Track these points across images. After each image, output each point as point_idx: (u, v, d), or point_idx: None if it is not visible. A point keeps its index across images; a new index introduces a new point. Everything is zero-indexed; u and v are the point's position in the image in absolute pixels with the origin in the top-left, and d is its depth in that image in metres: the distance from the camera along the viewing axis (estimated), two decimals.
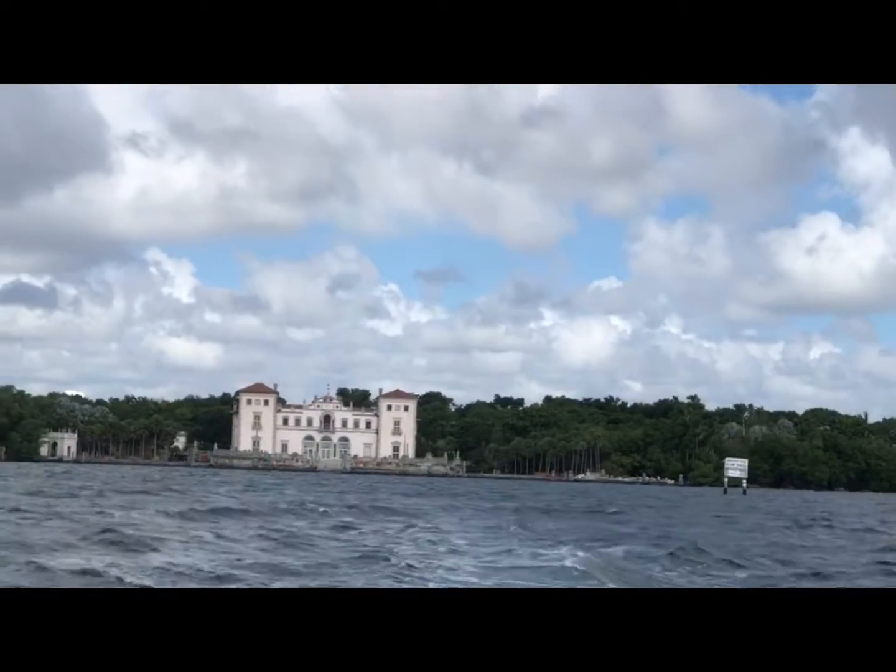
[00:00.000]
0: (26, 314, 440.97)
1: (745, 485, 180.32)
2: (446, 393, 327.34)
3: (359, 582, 20.45)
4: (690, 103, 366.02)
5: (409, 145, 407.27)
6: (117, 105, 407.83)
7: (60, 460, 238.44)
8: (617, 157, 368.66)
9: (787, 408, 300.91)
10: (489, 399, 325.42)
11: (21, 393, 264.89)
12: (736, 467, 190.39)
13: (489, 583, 19.39)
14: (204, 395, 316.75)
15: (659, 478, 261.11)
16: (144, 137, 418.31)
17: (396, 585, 14.44)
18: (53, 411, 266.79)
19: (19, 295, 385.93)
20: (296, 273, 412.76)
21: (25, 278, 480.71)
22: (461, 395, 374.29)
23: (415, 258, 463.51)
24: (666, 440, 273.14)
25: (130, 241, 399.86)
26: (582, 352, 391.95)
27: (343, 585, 14.06)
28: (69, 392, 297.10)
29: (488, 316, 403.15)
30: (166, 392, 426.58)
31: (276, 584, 13.61)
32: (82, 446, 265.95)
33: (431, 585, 14.57)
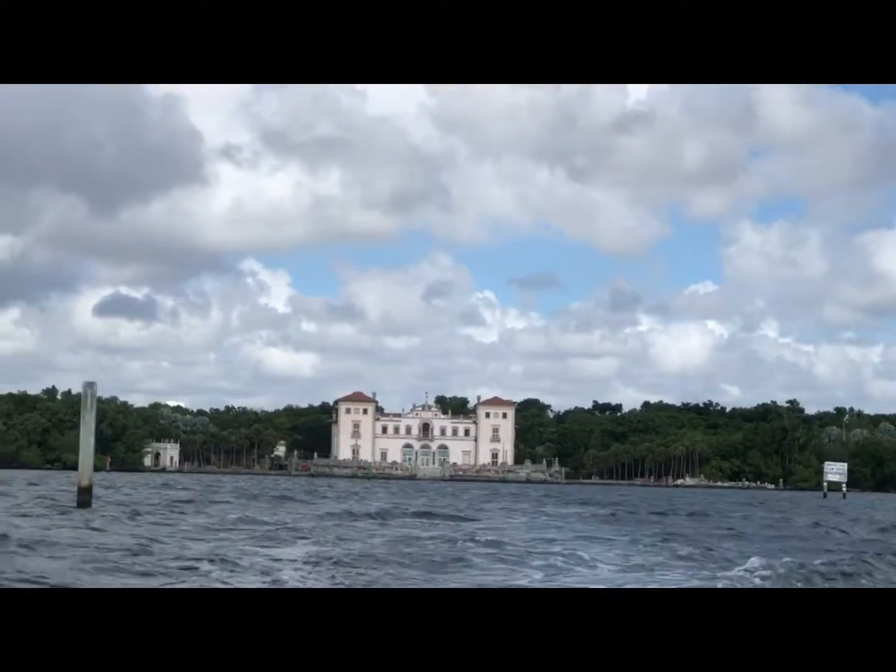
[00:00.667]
0: (126, 326, 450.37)
1: (844, 489, 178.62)
2: (543, 399, 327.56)
3: None
4: (782, 105, 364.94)
5: (501, 152, 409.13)
6: (211, 117, 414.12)
7: (164, 470, 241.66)
8: (709, 161, 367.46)
9: (888, 411, 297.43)
10: (586, 405, 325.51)
11: (125, 404, 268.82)
12: (835, 471, 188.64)
13: None
14: (302, 404, 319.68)
15: (759, 482, 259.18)
16: (238, 149, 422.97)
17: (397, 585, 14.30)
18: (156, 422, 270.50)
19: (119, 307, 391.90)
20: (391, 281, 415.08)
21: (124, 290, 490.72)
22: (558, 402, 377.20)
23: (509, 265, 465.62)
24: (765, 444, 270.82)
25: (226, 251, 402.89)
26: (678, 356, 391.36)
27: (343, 585, 14.08)
28: (170, 402, 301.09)
29: (583, 322, 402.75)
30: (264, 401, 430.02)
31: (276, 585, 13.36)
32: (184, 456, 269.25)
33: (431, 585, 14.35)
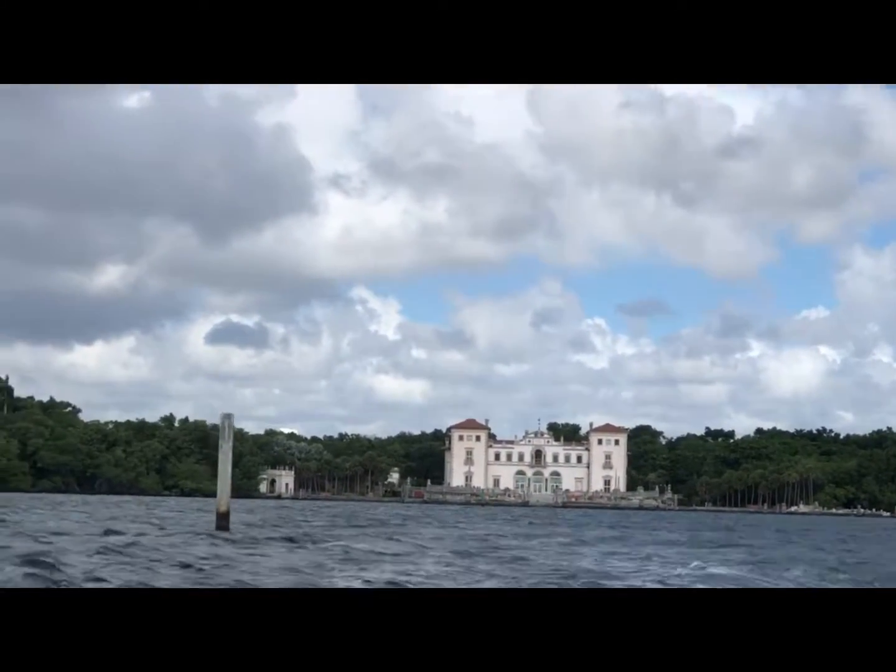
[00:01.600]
0: (237, 353, 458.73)
1: None
2: (655, 426, 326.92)
3: None
4: (891, 127, 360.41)
5: (608, 178, 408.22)
6: (319, 145, 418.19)
7: (279, 497, 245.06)
8: (818, 185, 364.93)
9: None
10: (698, 431, 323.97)
11: (240, 431, 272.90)
12: None
13: None
14: (413, 430, 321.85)
15: (874, 510, 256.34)
16: (347, 178, 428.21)
17: (397, 585, 14.27)
18: (271, 449, 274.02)
19: (230, 334, 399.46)
20: (500, 308, 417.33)
21: (235, 318, 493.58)
22: (669, 428, 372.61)
23: (617, 291, 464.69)
24: (881, 471, 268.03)
25: (336, 279, 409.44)
26: (790, 382, 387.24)
27: (344, 586, 13.99)
28: (284, 429, 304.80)
29: (693, 347, 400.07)
30: (375, 428, 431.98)
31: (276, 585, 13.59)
32: (299, 483, 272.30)
33: (431, 585, 14.27)
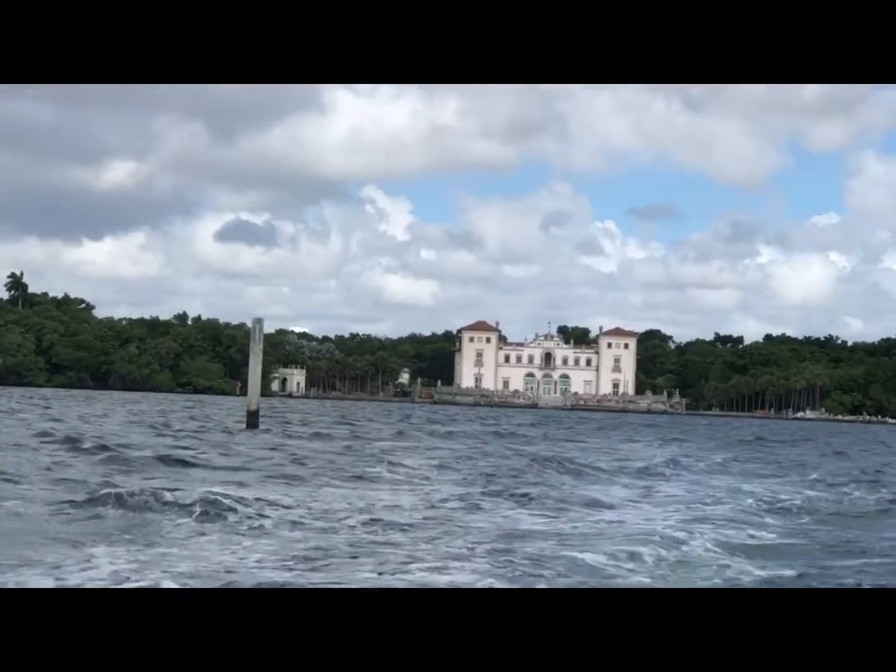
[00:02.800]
0: (247, 251, 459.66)
1: None
2: (663, 329, 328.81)
3: None
4: None
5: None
6: None
7: (290, 395, 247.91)
8: (829, 91, 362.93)
9: None
10: (706, 336, 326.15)
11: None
12: None
13: None
14: (422, 331, 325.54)
15: (880, 417, 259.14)
16: None
17: (396, 586, 14.74)
18: (282, 348, 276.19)
19: (239, 233, 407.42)
20: (510, 210, 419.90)
21: (244, 216, 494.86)
22: (677, 332, 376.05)
23: (627, 195, 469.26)
24: (888, 379, 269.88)
25: (346, 179, 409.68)
26: (799, 288, 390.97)
27: (343, 585, 14.43)
28: (295, 329, 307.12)
29: (703, 253, 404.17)
30: (385, 328, 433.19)
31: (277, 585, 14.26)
32: (310, 382, 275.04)
33: (431, 585, 14.68)
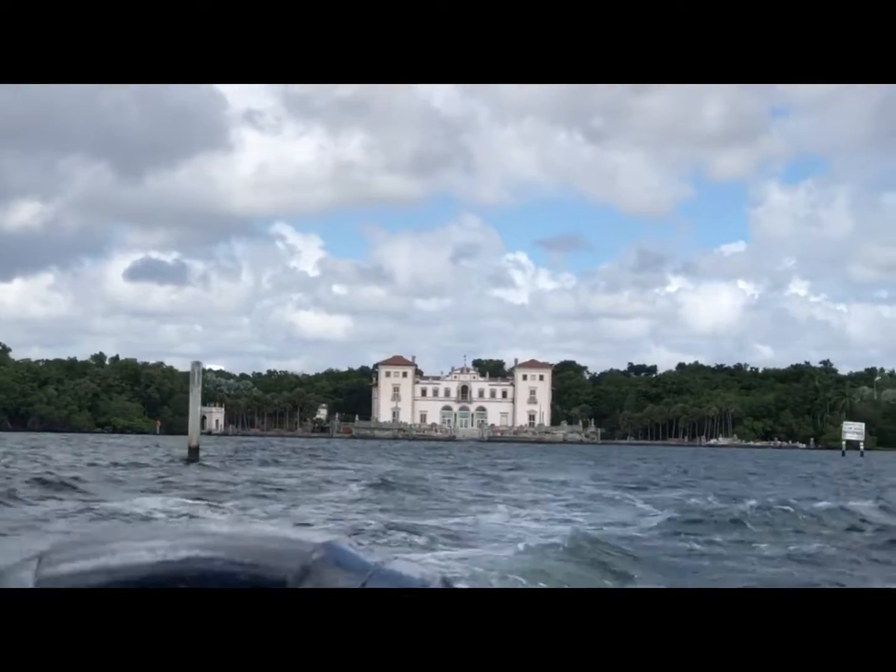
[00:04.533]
0: (157, 290, 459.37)
1: (862, 447, 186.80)
2: (576, 360, 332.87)
3: None
4: None
5: (522, 114, 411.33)
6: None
7: (209, 433, 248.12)
8: (730, 121, 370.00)
9: None
10: (619, 366, 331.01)
11: (170, 369, 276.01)
12: (853, 431, 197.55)
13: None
14: (338, 366, 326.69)
15: (791, 442, 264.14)
16: (261, 114, 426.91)
17: (397, 585, 15.91)
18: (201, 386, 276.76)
19: (149, 271, 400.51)
20: (419, 243, 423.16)
21: (154, 254, 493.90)
22: (591, 362, 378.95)
23: (534, 227, 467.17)
24: (797, 405, 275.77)
25: (254, 216, 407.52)
26: (708, 317, 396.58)
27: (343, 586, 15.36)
28: (211, 367, 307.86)
29: (612, 283, 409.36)
30: (299, 364, 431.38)
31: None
32: (229, 419, 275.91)
33: (432, 585, 15.97)
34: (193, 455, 73.23)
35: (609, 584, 19.11)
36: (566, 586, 14.54)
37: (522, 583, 19.13)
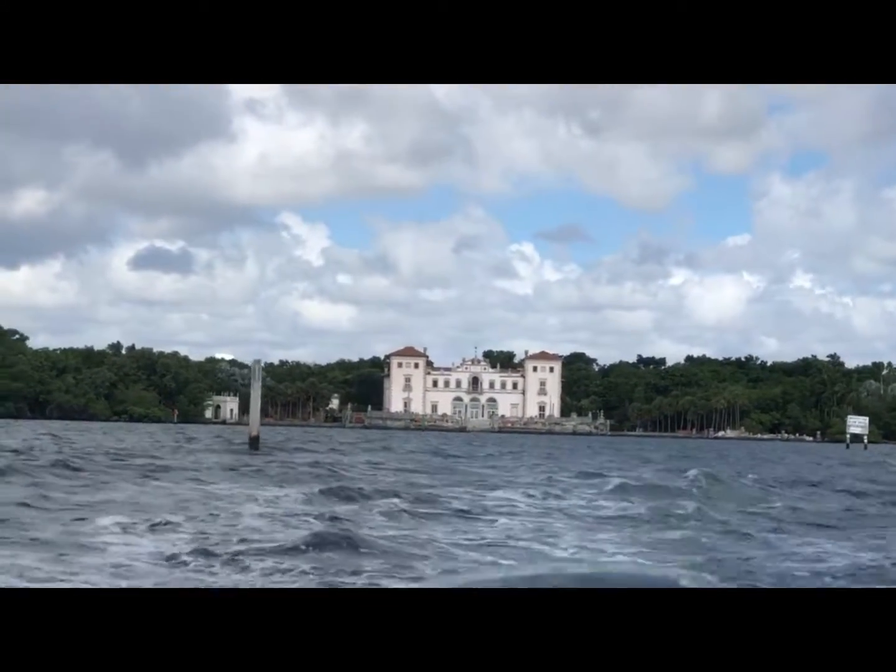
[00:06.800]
0: (162, 278, 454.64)
1: (866, 440, 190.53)
2: (583, 351, 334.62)
3: None
4: None
5: (521, 106, 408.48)
6: None
7: (224, 422, 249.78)
8: (728, 116, 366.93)
9: None
10: (624, 357, 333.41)
11: (185, 358, 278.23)
12: (857, 424, 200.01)
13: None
14: (344, 356, 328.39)
15: (798, 435, 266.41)
16: (263, 103, 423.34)
17: (396, 585, 14.80)
18: (215, 375, 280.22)
19: (154, 260, 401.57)
20: (423, 233, 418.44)
21: (159, 243, 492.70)
22: (598, 353, 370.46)
23: (536, 218, 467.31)
24: (804, 398, 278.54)
25: (258, 205, 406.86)
26: (713, 309, 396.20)
27: (345, 586, 14.62)
28: (217, 355, 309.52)
29: (615, 274, 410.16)
30: (304, 353, 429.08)
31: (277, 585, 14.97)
32: (243, 409, 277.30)
33: (433, 585, 14.61)
34: (254, 444, 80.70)
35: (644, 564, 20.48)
36: (566, 586, 14.22)
37: None
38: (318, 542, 21.47)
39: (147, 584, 16.81)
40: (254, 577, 18.18)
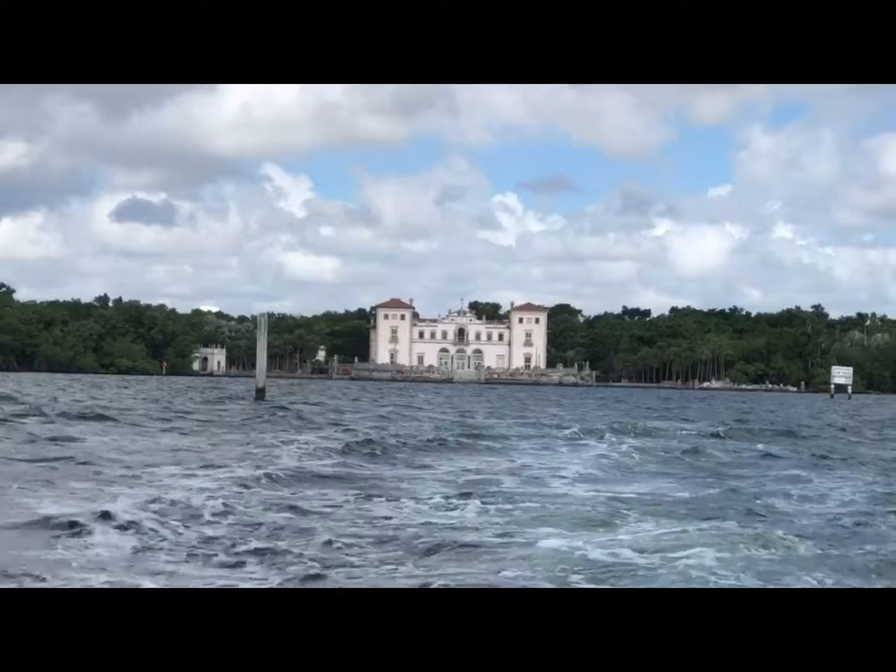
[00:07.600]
0: (145, 230, 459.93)
1: (850, 391, 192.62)
2: (567, 302, 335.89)
3: None
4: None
5: None
6: None
7: (211, 374, 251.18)
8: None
9: None
10: (613, 309, 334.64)
11: (173, 311, 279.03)
12: (841, 375, 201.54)
13: None
14: (328, 307, 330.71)
15: (782, 385, 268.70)
16: None
17: (397, 585, 15.01)
18: (202, 328, 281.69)
19: (136, 212, 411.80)
20: (406, 184, 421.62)
21: (141, 195, 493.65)
22: (581, 304, 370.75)
23: (520, 169, 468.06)
24: (789, 349, 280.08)
25: (240, 156, 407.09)
26: (696, 259, 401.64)
27: (345, 586, 14.79)
28: (202, 307, 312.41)
29: (598, 225, 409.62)
30: (288, 305, 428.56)
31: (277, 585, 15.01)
32: (230, 361, 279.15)
33: (433, 585, 14.93)
34: (261, 394, 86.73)
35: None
36: (566, 586, 14.79)
37: None
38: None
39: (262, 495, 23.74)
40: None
